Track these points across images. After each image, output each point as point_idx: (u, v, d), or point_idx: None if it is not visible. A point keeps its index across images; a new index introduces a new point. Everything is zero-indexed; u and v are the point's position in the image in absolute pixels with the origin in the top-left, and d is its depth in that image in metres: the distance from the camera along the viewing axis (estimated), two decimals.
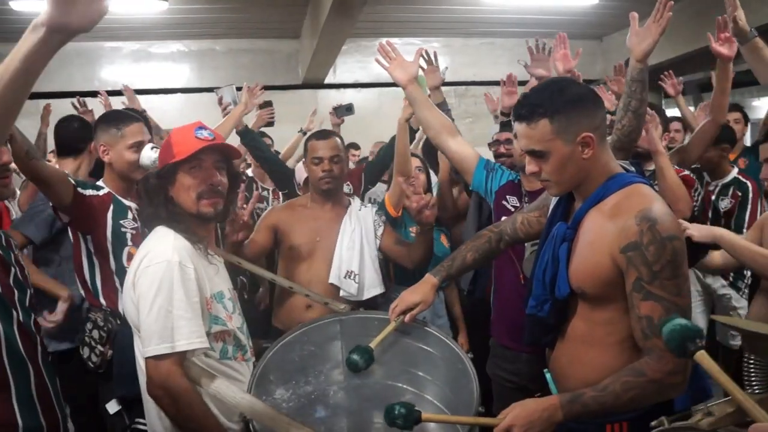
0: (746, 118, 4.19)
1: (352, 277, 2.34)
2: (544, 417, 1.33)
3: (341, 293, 2.32)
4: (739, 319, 1.38)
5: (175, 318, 1.45)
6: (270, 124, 3.66)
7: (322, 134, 2.51)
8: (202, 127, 1.63)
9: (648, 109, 2.39)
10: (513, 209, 2.22)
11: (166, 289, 1.46)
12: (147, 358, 1.46)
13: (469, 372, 1.51)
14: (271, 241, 2.45)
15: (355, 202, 2.51)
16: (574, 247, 1.43)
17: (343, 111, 3.85)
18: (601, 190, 1.40)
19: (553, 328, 1.52)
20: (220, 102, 3.14)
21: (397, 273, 2.71)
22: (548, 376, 1.55)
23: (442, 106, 2.58)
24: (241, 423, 1.54)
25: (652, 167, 2.66)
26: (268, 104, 3.60)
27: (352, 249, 2.37)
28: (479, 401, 1.44)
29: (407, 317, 1.66)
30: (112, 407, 2.03)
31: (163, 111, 5.62)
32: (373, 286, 2.38)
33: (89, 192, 2.20)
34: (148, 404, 1.57)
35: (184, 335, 1.46)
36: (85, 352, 2.16)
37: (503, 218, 2.24)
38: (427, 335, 1.68)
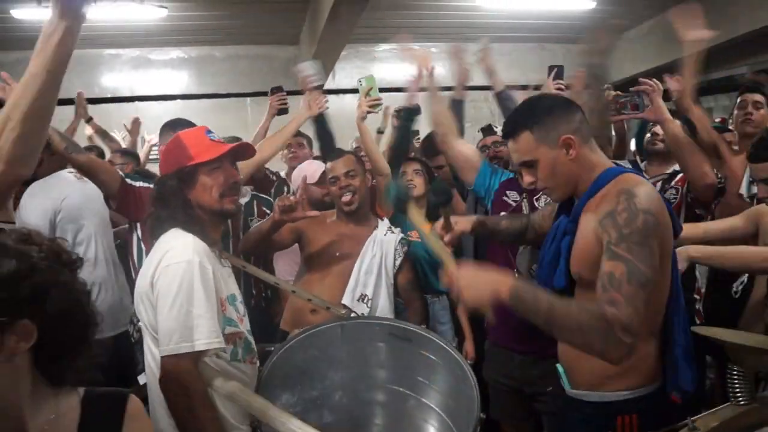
0: None
1: (365, 301, 2.33)
2: (490, 283, 1.31)
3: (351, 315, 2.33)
4: (722, 331, 1.35)
5: (195, 317, 1.46)
6: (282, 111, 3.34)
7: (336, 154, 2.51)
8: (210, 131, 1.68)
9: (648, 80, 2.45)
10: (514, 203, 2.27)
11: (186, 288, 1.47)
12: (165, 356, 1.46)
13: (469, 378, 1.52)
14: (292, 241, 2.47)
15: (382, 225, 2.47)
16: (575, 239, 1.48)
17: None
18: (595, 185, 1.47)
19: None
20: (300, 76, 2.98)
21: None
22: (560, 369, 1.57)
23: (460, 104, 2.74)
24: (249, 429, 1.54)
25: (669, 169, 2.66)
26: (278, 89, 3.40)
27: (370, 274, 2.36)
28: (479, 407, 1.44)
29: (447, 237, 1.75)
30: (143, 379, 2.14)
31: (162, 117, 5.60)
32: (384, 313, 2.37)
33: (139, 184, 2.45)
34: (154, 403, 1.57)
35: (204, 334, 1.46)
36: (131, 329, 2.46)
37: (502, 213, 2.27)
38: (428, 342, 1.69)
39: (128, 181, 2.44)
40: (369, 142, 2.63)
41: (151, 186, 2.43)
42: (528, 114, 1.51)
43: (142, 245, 2.48)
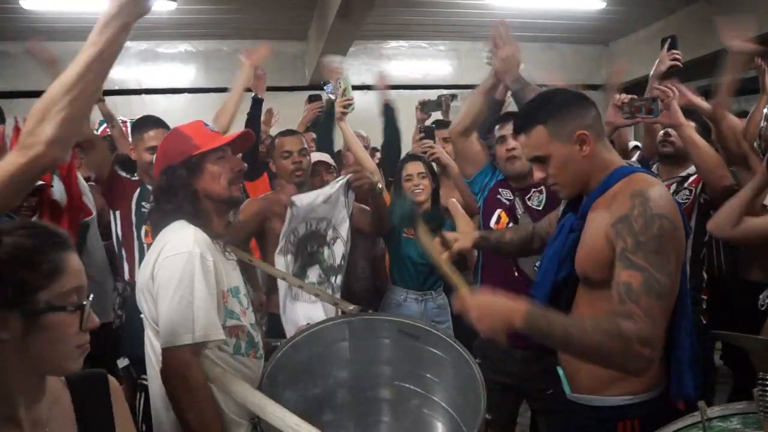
0: None
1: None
2: (503, 313, 1.29)
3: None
4: (745, 336, 1.26)
5: (196, 308, 1.45)
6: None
7: (289, 131, 2.65)
8: (207, 124, 1.70)
9: (665, 87, 2.39)
10: (507, 201, 2.30)
11: (187, 280, 1.46)
12: (166, 348, 1.45)
13: (477, 377, 1.52)
14: (257, 227, 2.52)
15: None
16: (581, 237, 1.47)
17: (432, 106, 3.74)
18: (604, 184, 1.45)
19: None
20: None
21: (393, 273, 2.70)
22: (561, 372, 1.56)
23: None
24: (249, 424, 1.54)
25: (683, 172, 2.63)
26: (316, 98, 3.65)
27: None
28: (486, 408, 1.44)
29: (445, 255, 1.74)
30: (122, 362, 2.29)
31: (168, 111, 5.62)
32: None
33: (124, 174, 2.61)
34: (155, 396, 1.57)
35: (204, 326, 1.46)
36: (113, 316, 2.64)
37: (497, 210, 2.31)
38: (436, 339, 1.68)
39: (116, 168, 2.57)
40: (353, 143, 2.69)
41: (133, 178, 2.60)
42: (541, 108, 1.48)
43: (119, 232, 2.58)
